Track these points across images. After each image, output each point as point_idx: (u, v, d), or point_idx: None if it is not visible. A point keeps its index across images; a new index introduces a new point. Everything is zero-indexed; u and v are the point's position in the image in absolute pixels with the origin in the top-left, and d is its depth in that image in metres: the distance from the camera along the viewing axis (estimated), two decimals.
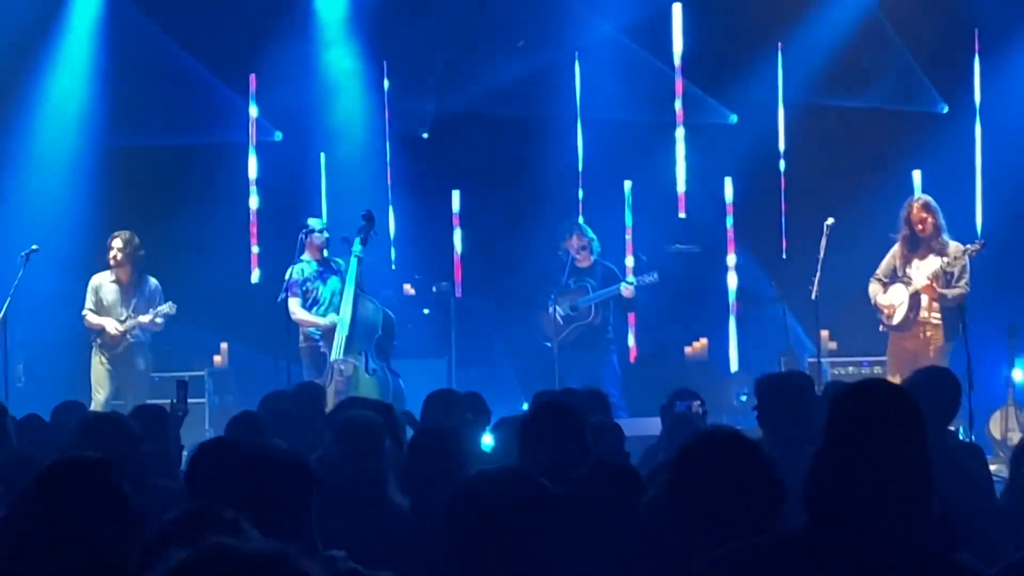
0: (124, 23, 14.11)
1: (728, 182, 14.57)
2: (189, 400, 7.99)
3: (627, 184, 14.65)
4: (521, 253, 13.97)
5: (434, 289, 13.67)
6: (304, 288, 11.87)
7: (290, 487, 4.23)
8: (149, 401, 10.31)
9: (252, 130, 14.66)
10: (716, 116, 14.61)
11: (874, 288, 11.57)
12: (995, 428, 12.10)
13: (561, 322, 12.36)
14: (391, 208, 14.66)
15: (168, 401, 7.96)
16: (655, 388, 12.55)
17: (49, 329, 13.29)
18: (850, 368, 12.62)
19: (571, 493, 4.63)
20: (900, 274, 11.45)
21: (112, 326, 12.11)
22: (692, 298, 14.13)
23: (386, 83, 14.66)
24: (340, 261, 12.00)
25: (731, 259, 14.47)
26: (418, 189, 14.80)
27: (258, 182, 14.67)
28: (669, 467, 3.87)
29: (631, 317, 13.48)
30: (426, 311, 13.98)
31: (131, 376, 12.18)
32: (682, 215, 14.60)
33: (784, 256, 14.15)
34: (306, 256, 11.94)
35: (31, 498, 3.86)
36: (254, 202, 14.61)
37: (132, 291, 12.22)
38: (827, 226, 11.46)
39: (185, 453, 7.50)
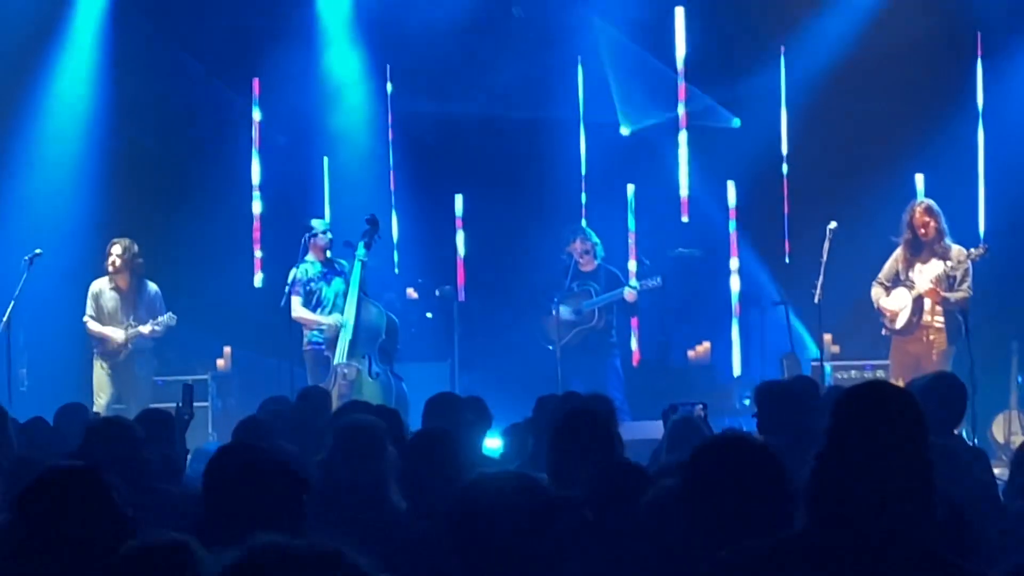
0: (127, 27, 14.13)
1: (731, 186, 14.57)
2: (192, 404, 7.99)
3: (630, 188, 14.66)
4: (524, 257, 13.97)
5: (437, 293, 13.68)
6: (308, 288, 11.89)
7: (280, 492, 4.21)
8: (153, 405, 10.33)
9: (255, 134, 14.67)
10: (719, 120, 14.61)
11: (877, 292, 11.57)
12: (998, 431, 12.10)
13: (564, 326, 12.36)
14: (394, 212, 14.67)
15: (171, 405, 7.97)
16: (658, 392, 12.60)
17: (52, 333, 13.29)
18: (852, 372, 12.61)
19: (573, 497, 4.64)
20: (903, 278, 11.45)
21: (115, 335, 12.09)
22: (695, 302, 14.13)
23: (389, 86, 14.67)
24: (344, 262, 12.02)
25: (734, 263, 14.48)
26: (421, 193, 14.82)
27: (261, 186, 14.67)
28: (681, 468, 3.87)
29: (634, 321, 13.48)
30: (429, 315, 13.98)
31: (132, 381, 12.18)
32: (685, 219, 14.60)
33: (787, 260, 14.14)
34: (310, 257, 11.96)
35: (20, 509, 3.87)
36: (257, 206, 14.62)
37: (132, 298, 12.21)
38: (830, 230, 11.45)
39: (188, 456, 7.53)
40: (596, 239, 12.63)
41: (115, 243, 12.27)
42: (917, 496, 3.10)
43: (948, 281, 11.29)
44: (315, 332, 11.94)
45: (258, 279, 14.46)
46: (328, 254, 12.03)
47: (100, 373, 12.20)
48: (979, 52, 13.96)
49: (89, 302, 12.26)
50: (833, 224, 11.49)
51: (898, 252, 11.51)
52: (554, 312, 12.37)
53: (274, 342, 12.13)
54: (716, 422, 8.48)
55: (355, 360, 11.67)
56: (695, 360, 13.86)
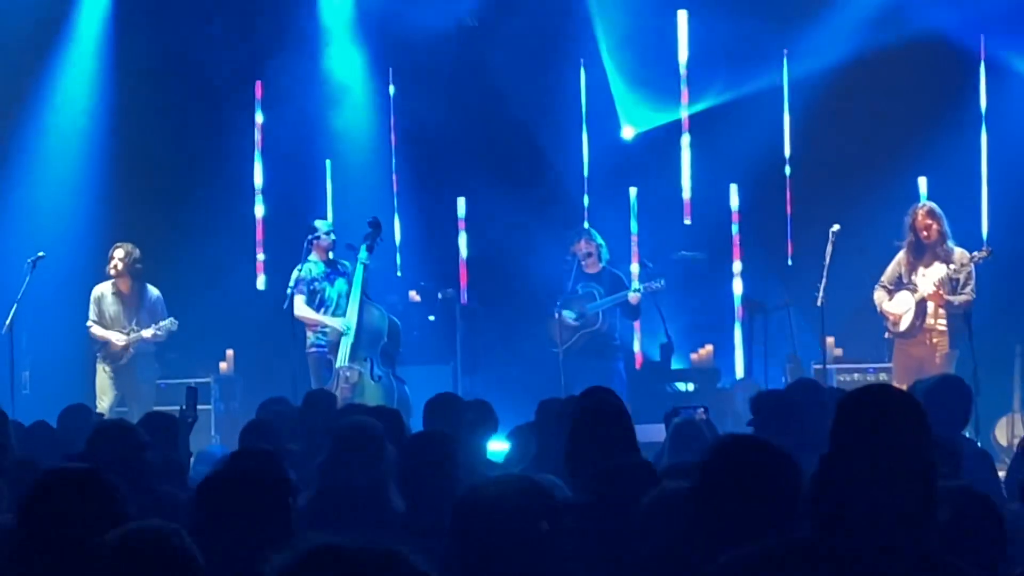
0: (130, 31, 14.14)
1: (733, 189, 14.57)
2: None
3: (632, 191, 14.66)
4: (527, 260, 13.97)
5: (440, 296, 13.68)
6: (311, 287, 11.90)
7: (263, 497, 4.20)
8: (156, 408, 10.33)
9: (258, 137, 14.67)
10: (722, 123, 14.61)
11: (879, 295, 11.56)
12: (1001, 434, 12.10)
13: (568, 329, 12.34)
14: (396, 215, 14.67)
15: (175, 408, 7.97)
16: (660, 395, 12.61)
17: (55, 336, 13.31)
18: (855, 375, 12.61)
19: (576, 500, 4.64)
20: (906, 281, 11.44)
21: (117, 339, 12.10)
22: (698, 305, 14.13)
23: (391, 89, 14.67)
24: (346, 264, 12.03)
25: (736, 266, 14.48)
26: (423, 196, 14.82)
27: (264, 189, 14.68)
28: (695, 469, 3.86)
29: (636, 324, 13.48)
30: (431, 318, 13.98)
31: (135, 384, 12.19)
32: (687, 222, 14.60)
33: (789, 263, 14.14)
34: (313, 257, 11.97)
35: (24, 511, 3.87)
36: (260, 209, 14.63)
37: (134, 303, 12.22)
38: (833, 233, 11.45)
39: (192, 459, 7.54)
40: (601, 241, 12.63)
41: (117, 247, 12.28)
42: (920, 499, 3.10)
43: (951, 284, 11.28)
44: (318, 335, 11.95)
45: (261, 282, 14.47)
46: (331, 255, 12.04)
47: (103, 376, 12.21)
48: (982, 55, 13.95)
49: (92, 307, 12.26)
50: (836, 227, 11.49)
51: (901, 255, 11.51)
52: (556, 315, 12.37)
53: (277, 345, 12.14)
54: (718, 425, 8.47)
55: (357, 363, 11.68)
56: (698, 363, 13.86)
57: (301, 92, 14.50)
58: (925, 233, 11.33)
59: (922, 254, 11.38)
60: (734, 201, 14.60)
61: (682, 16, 14.48)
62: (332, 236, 12.08)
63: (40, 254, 12.08)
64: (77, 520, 3.72)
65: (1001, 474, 6.88)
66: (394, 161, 14.80)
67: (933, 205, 11.54)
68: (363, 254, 11.82)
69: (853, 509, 3.07)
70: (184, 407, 7.69)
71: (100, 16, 14.22)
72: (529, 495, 3.88)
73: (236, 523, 4.02)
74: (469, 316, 13.69)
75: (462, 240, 14.77)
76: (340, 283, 11.92)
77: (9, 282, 12.27)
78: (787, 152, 14.44)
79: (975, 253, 11.34)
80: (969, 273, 11.27)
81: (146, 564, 2.76)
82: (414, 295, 14.05)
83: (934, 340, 11.37)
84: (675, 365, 13.22)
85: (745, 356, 14.02)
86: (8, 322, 11.85)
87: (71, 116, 14.22)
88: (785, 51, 14.22)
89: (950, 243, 11.37)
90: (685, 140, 14.61)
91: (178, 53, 14.03)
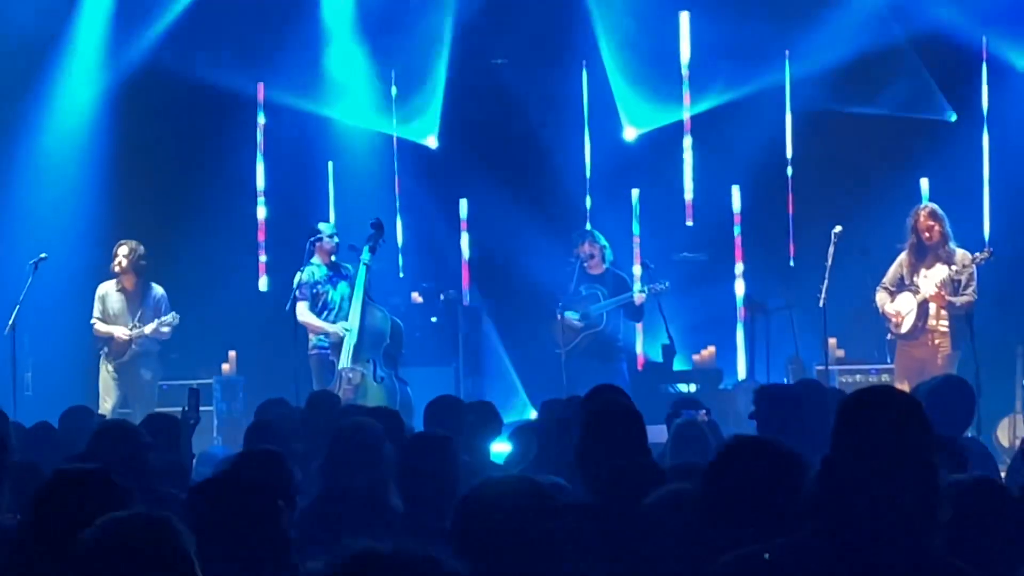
0: (132, 31, 14.14)
1: (735, 190, 14.57)
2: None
3: (634, 192, 14.67)
4: (529, 261, 13.98)
5: (442, 297, 13.68)
6: (314, 291, 11.89)
7: (256, 508, 4.19)
8: (158, 410, 10.33)
9: (260, 138, 14.68)
10: (724, 124, 14.61)
11: (881, 297, 11.56)
12: (1003, 436, 12.10)
13: (571, 330, 12.34)
14: (399, 216, 14.67)
15: (176, 409, 7.97)
16: (662, 396, 12.61)
17: (57, 338, 13.31)
18: (858, 376, 12.61)
19: (577, 502, 4.64)
20: (907, 282, 11.44)
21: (120, 332, 12.12)
22: (700, 306, 14.12)
23: (394, 91, 14.68)
24: (349, 267, 12.02)
25: (738, 267, 14.48)
26: (426, 197, 14.82)
27: (266, 190, 14.69)
28: (705, 470, 3.87)
29: (638, 325, 13.48)
30: (434, 319, 13.98)
31: (138, 385, 12.20)
32: (689, 223, 14.61)
33: (791, 264, 14.15)
34: (315, 260, 11.96)
35: (34, 511, 3.88)
36: (262, 210, 14.64)
37: (138, 300, 12.23)
38: (835, 234, 11.46)
39: (194, 461, 7.54)
40: (604, 242, 12.62)
41: (121, 244, 12.29)
42: (922, 500, 3.10)
43: (953, 285, 11.28)
44: (320, 336, 11.95)
45: (263, 283, 14.48)
46: (333, 258, 12.04)
47: (106, 376, 12.22)
48: (984, 56, 13.95)
49: (96, 304, 12.27)
50: (838, 228, 11.49)
51: (902, 256, 11.51)
52: (559, 316, 12.37)
53: (279, 346, 12.14)
54: (720, 426, 8.47)
55: (360, 364, 11.67)
56: (700, 364, 13.86)
57: (303, 93, 14.50)
58: (927, 234, 11.33)
59: (924, 255, 11.38)
60: (736, 202, 14.60)
61: (684, 17, 14.48)
62: (335, 239, 12.07)
63: (42, 255, 12.09)
64: (87, 520, 3.72)
65: (1003, 476, 6.88)
66: (396, 163, 14.81)
67: (935, 206, 11.55)
68: (366, 255, 11.82)
69: (855, 509, 3.08)
70: (186, 408, 7.69)
71: (102, 17, 14.22)
72: (530, 495, 3.89)
73: (228, 528, 4.01)
74: (471, 317, 13.69)
75: (464, 240, 14.77)
76: (343, 286, 11.92)
77: (11, 283, 12.28)
78: (789, 153, 14.45)
79: (977, 254, 11.34)
80: (971, 274, 11.28)
81: (131, 554, 2.75)
82: (416, 296, 14.05)
83: (936, 341, 11.37)
84: (677, 366, 13.21)
85: (747, 357, 14.02)
86: (10, 323, 11.86)
87: (73, 118, 14.22)
88: (787, 52, 14.22)
89: (952, 244, 11.37)
90: (687, 141, 14.61)
91: (180, 55, 14.03)
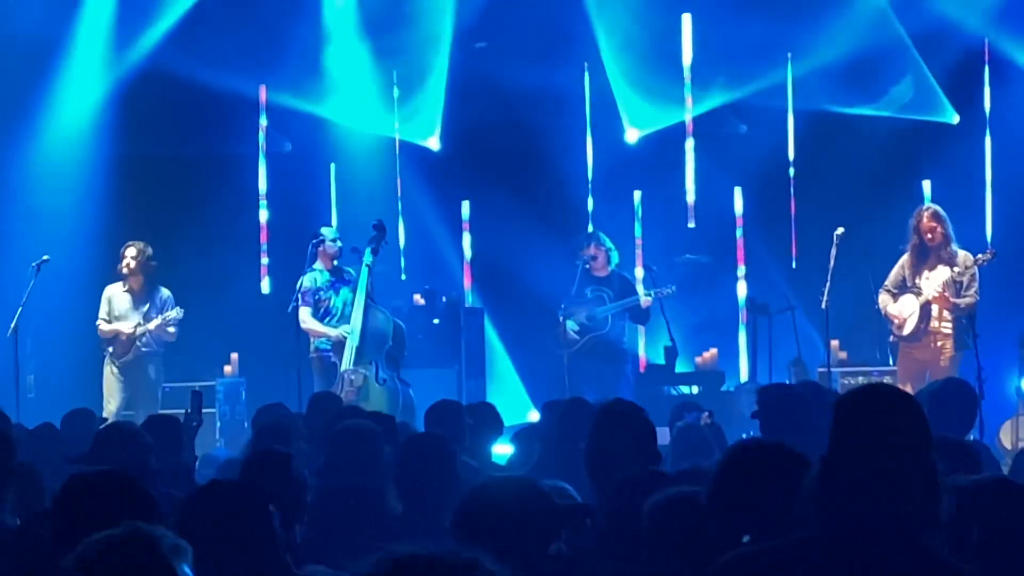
0: (135, 34, 14.15)
1: (738, 192, 14.58)
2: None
3: (637, 194, 14.67)
4: (531, 263, 13.98)
5: (444, 299, 13.68)
6: (316, 298, 11.88)
7: (243, 515, 4.18)
8: (161, 411, 10.34)
9: (262, 141, 14.69)
10: (726, 126, 14.62)
11: (884, 299, 11.56)
12: (1005, 438, 12.09)
13: (577, 332, 12.32)
14: (401, 219, 14.68)
15: (180, 411, 7.97)
16: (664, 398, 12.60)
17: (60, 340, 13.31)
18: (860, 378, 12.59)
19: (579, 504, 4.64)
20: (910, 284, 11.43)
21: (125, 327, 12.10)
22: (702, 308, 14.13)
23: (396, 92, 14.68)
24: (351, 271, 12.00)
25: (741, 269, 14.48)
26: (428, 200, 14.83)
27: (268, 192, 14.70)
28: (715, 472, 3.86)
29: (640, 327, 13.48)
30: (436, 321, 13.98)
31: (142, 387, 12.19)
32: (691, 225, 14.61)
33: (794, 266, 14.15)
34: (318, 265, 11.94)
35: (54, 514, 3.86)
36: (264, 213, 14.65)
37: (144, 300, 12.22)
38: (837, 236, 11.45)
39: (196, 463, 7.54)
40: (610, 244, 12.60)
41: (129, 246, 12.26)
42: (920, 498, 3.10)
43: (955, 287, 11.28)
44: (322, 339, 11.94)
45: (265, 285, 14.48)
46: (336, 262, 12.02)
47: (111, 378, 12.20)
48: (986, 58, 13.96)
49: (102, 305, 12.26)
50: (840, 230, 11.49)
51: (905, 258, 11.50)
52: (561, 318, 12.36)
53: (282, 348, 12.14)
54: (723, 428, 8.47)
55: (362, 366, 11.66)
56: (702, 366, 13.86)
57: (305, 96, 14.50)
58: (929, 236, 11.32)
59: (926, 257, 11.37)
60: (738, 204, 14.61)
61: (686, 19, 14.48)
62: (338, 243, 12.03)
63: (45, 257, 12.09)
64: (109, 524, 3.71)
65: None
66: (398, 165, 14.81)
67: (937, 208, 11.54)
68: (368, 257, 11.80)
69: (852, 509, 3.08)
70: (189, 410, 7.69)
71: (105, 20, 14.22)
72: (531, 496, 3.89)
73: (219, 534, 4.00)
74: (473, 319, 13.69)
75: (466, 241, 14.78)
76: (345, 292, 11.89)
77: (14, 286, 12.28)
78: (791, 155, 14.45)
79: (979, 255, 11.34)
80: (973, 275, 11.27)
81: (116, 572, 2.73)
82: (418, 298, 14.05)
83: (939, 343, 11.36)
84: (679, 368, 13.21)
85: (749, 359, 14.01)
86: (13, 325, 11.86)
87: (75, 120, 14.22)
88: (789, 54, 14.23)
89: (954, 246, 11.36)
90: (689, 144, 14.61)
91: (183, 58, 14.03)
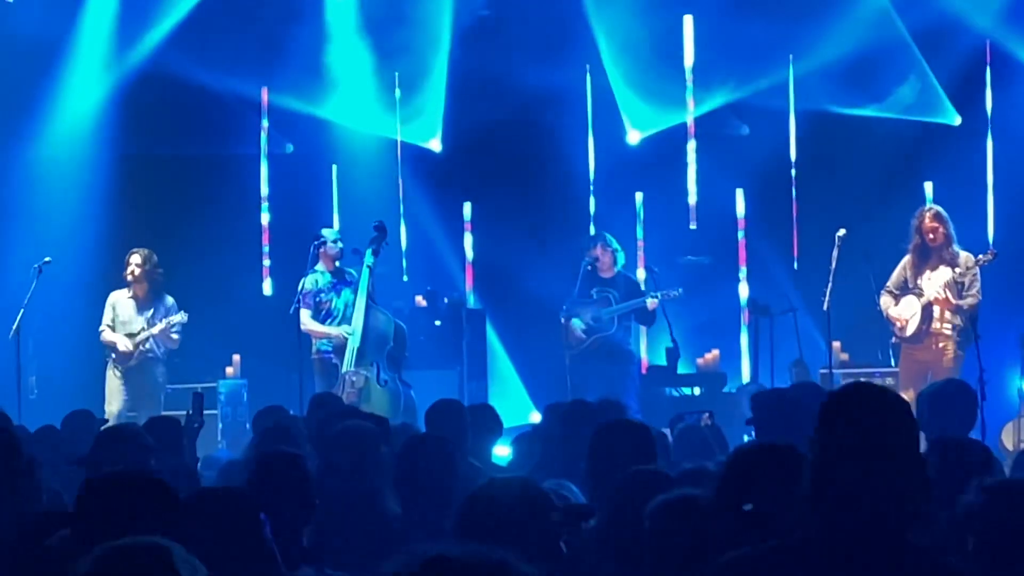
0: (136, 35, 14.16)
1: (739, 194, 14.58)
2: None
3: (638, 196, 14.67)
4: (533, 265, 13.98)
5: (445, 301, 13.68)
6: (317, 299, 11.87)
7: (233, 524, 4.16)
8: (164, 413, 10.34)
9: (264, 142, 14.69)
10: (728, 127, 14.62)
11: (885, 300, 11.55)
12: (1007, 439, 12.08)
13: (582, 333, 12.31)
14: (403, 220, 14.68)
15: (181, 413, 7.97)
16: (666, 400, 12.61)
17: (62, 341, 13.32)
18: (862, 380, 12.58)
19: (580, 505, 4.64)
20: (911, 285, 11.43)
21: (122, 344, 12.08)
22: (704, 309, 14.13)
23: (397, 93, 14.69)
24: (353, 272, 12.00)
25: (742, 270, 14.48)
26: (429, 201, 14.83)
27: (270, 194, 14.70)
28: (721, 473, 3.87)
29: (642, 329, 13.47)
30: (437, 323, 13.98)
31: (145, 388, 12.18)
32: (693, 226, 14.61)
33: (795, 267, 14.15)
34: (319, 267, 11.94)
35: (78, 515, 3.85)
36: (266, 215, 14.65)
37: (148, 307, 12.19)
38: (838, 237, 11.45)
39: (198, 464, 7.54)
40: (617, 245, 12.58)
41: (134, 253, 12.23)
42: (910, 496, 3.09)
43: (957, 287, 11.28)
44: (324, 340, 11.94)
45: (267, 287, 14.48)
46: (337, 264, 12.02)
47: (113, 381, 12.19)
48: (988, 60, 13.96)
49: (106, 312, 12.23)
50: (842, 231, 11.49)
51: (906, 259, 11.50)
52: (563, 320, 12.36)
53: (284, 350, 12.14)
54: (724, 430, 8.47)
55: (363, 368, 11.66)
56: (704, 367, 13.86)
57: (307, 98, 14.51)
58: (931, 236, 11.32)
59: (928, 257, 11.37)
60: (740, 206, 14.61)
61: (688, 21, 14.48)
62: (339, 245, 12.03)
63: (46, 259, 12.09)
64: (136, 525, 3.70)
65: None
66: (400, 166, 14.82)
67: (939, 208, 11.54)
68: (369, 258, 11.80)
69: (843, 509, 3.08)
70: (190, 412, 7.68)
71: (107, 21, 14.23)
72: (533, 497, 3.89)
73: (209, 541, 3.99)
74: (475, 321, 13.69)
75: (467, 242, 14.78)
76: (346, 293, 11.89)
77: (16, 287, 12.29)
78: (793, 156, 14.45)
79: (980, 256, 11.34)
80: (974, 276, 11.27)
81: None
82: (420, 300, 14.05)
83: (941, 344, 11.35)
84: (681, 370, 13.21)
85: (751, 361, 14.00)
86: (15, 327, 11.86)
87: (76, 122, 14.24)
88: (791, 55, 14.23)
89: (956, 246, 11.36)
90: (691, 145, 14.61)
91: (184, 60, 14.03)
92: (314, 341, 11.96)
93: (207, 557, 3.76)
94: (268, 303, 14.09)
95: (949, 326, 11.31)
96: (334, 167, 14.85)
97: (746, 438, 8.34)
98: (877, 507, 3.05)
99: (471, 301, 14.61)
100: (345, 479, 5.70)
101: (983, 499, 4.03)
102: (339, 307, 11.88)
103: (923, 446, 6.15)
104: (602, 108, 14.67)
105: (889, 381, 12.08)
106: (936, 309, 11.32)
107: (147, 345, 12.15)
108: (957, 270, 11.23)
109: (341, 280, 11.95)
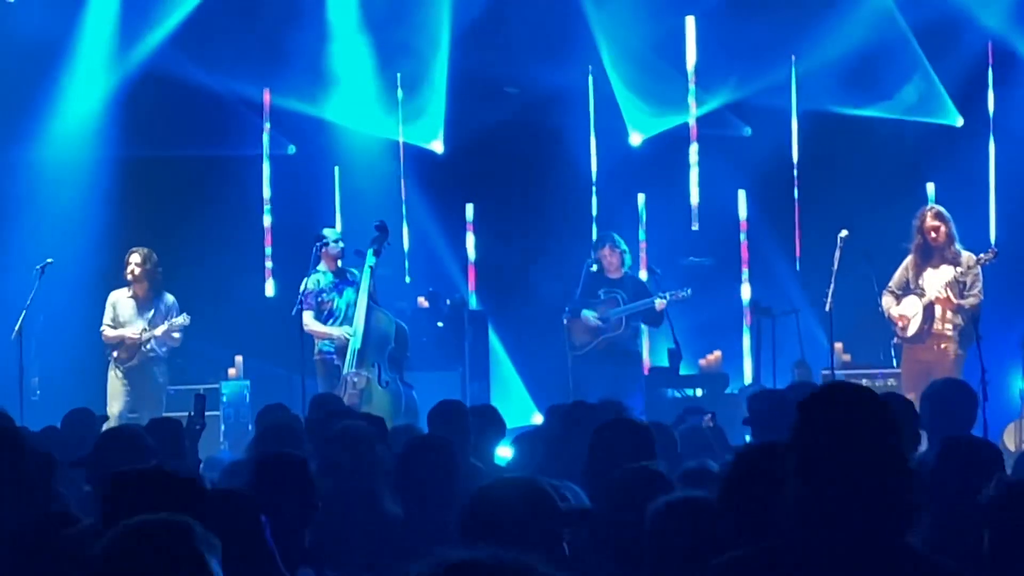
0: (138, 36, 14.16)
1: (742, 195, 14.57)
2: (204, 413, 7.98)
3: (640, 197, 14.66)
4: (535, 266, 13.98)
5: (448, 302, 13.68)
6: (319, 300, 11.87)
7: (232, 525, 4.15)
8: (165, 414, 10.33)
9: (266, 143, 14.70)
10: (730, 128, 14.62)
11: (887, 301, 11.55)
12: (1009, 440, 12.07)
13: (589, 332, 12.30)
14: (405, 221, 14.68)
15: (183, 414, 7.96)
16: (668, 401, 12.60)
17: (64, 342, 13.32)
18: (864, 380, 12.58)
19: (580, 506, 4.63)
20: (913, 285, 11.43)
21: (131, 331, 12.09)
22: (706, 310, 14.12)
23: (399, 94, 14.69)
24: (355, 272, 11.99)
25: (744, 271, 14.48)
26: (432, 202, 14.83)
27: (272, 195, 14.71)
28: (727, 474, 3.87)
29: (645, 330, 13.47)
30: (440, 324, 13.98)
31: (147, 390, 12.19)
32: (695, 228, 14.61)
33: (797, 268, 14.14)
34: (321, 267, 11.94)
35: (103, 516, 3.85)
36: (268, 216, 14.66)
37: (149, 307, 12.21)
38: (841, 238, 11.45)
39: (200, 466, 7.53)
40: (624, 246, 12.58)
41: (133, 252, 12.24)
42: (890, 495, 3.08)
43: (958, 287, 11.28)
44: (326, 341, 11.94)
45: (269, 288, 14.48)
46: (339, 264, 12.02)
47: (115, 382, 12.20)
48: (990, 60, 13.95)
49: (107, 311, 12.25)
50: (844, 232, 11.48)
51: (908, 259, 11.50)
52: (566, 321, 12.35)
53: (286, 351, 12.14)
54: (726, 431, 8.47)
55: (364, 369, 11.65)
56: (706, 368, 13.86)
57: (309, 99, 14.51)
58: (933, 235, 11.32)
59: (929, 257, 11.36)
60: (742, 207, 14.61)
61: (690, 22, 14.48)
62: (341, 244, 12.02)
63: (48, 260, 12.10)
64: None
65: None
66: (402, 167, 14.82)
67: (940, 208, 11.54)
68: (370, 258, 11.79)
69: (825, 509, 3.07)
70: (192, 413, 7.68)
71: (108, 22, 14.24)
72: (536, 498, 3.89)
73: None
74: (477, 322, 13.69)
75: (470, 243, 14.78)
76: (348, 293, 11.89)
77: (18, 288, 12.29)
78: (795, 157, 14.45)
79: (981, 255, 11.34)
80: (976, 275, 11.27)
81: (142, 561, 2.72)
82: (422, 301, 14.05)
83: (943, 345, 11.35)
84: (683, 371, 13.21)
85: (753, 362, 14.00)
86: (17, 328, 11.87)
87: (78, 123, 14.24)
88: (793, 56, 14.22)
89: (957, 246, 11.35)
90: (693, 147, 14.61)
91: (186, 61, 14.04)
92: (316, 342, 11.96)
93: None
94: (270, 304, 14.09)
95: (951, 326, 11.31)
96: (336, 168, 14.85)
97: (747, 439, 8.35)
98: (856, 505, 3.05)
99: (473, 302, 14.60)
100: (345, 479, 5.70)
101: (1001, 494, 4.03)
102: (341, 307, 11.88)
103: (923, 445, 6.17)
104: (604, 109, 14.67)
105: (891, 382, 12.10)
106: (938, 309, 11.32)
107: (149, 346, 12.15)
108: (959, 269, 11.23)
109: (343, 280, 11.95)
